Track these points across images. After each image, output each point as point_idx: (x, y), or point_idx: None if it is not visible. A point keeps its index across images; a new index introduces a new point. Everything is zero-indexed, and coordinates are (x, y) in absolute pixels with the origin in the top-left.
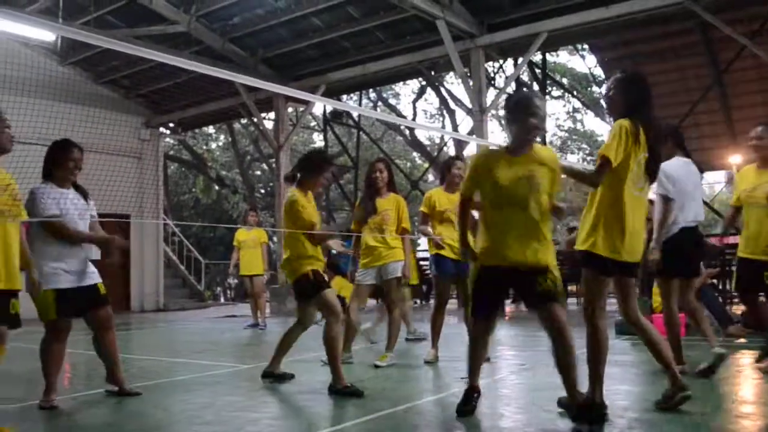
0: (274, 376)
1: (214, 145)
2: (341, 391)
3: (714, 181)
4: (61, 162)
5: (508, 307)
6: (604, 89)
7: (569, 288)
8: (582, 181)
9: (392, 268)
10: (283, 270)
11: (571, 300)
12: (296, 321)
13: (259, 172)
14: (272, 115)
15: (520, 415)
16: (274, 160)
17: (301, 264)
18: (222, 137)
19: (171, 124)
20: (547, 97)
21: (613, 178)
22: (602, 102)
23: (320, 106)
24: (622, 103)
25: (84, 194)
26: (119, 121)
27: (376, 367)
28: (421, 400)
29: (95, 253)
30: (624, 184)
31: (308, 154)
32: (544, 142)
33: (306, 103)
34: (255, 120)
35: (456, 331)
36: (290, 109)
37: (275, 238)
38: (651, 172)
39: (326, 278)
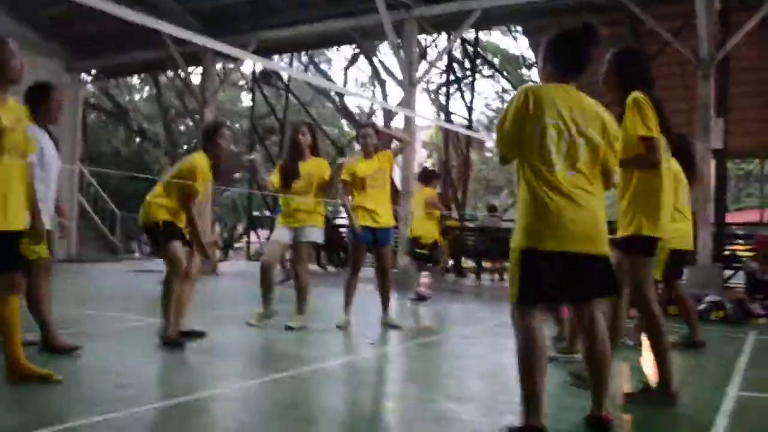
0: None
1: (138, 96)
2: (171, 342)
3: None
4: (45, 103)
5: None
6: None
7: (484, 264)
8: (640, 167)
9: (308, 232)
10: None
11: (486, 276)
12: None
13: (183, 127)
14: (200, 69)
15: (423, 380)
16: (199, 116)
17: (158, 210)
18: (147, 89)
19: (93, 72)
20: (477, 75)
21: None
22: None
23: (249, 64)
24: (624, 76)
25: (56, 142)
26: (37, 64)
27: (288, 328)
28: (329, 362)
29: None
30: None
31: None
32: (470, 120)
33: (235, 60)
34: (181, 74)
35: (370, 299)
36: (219, 66)
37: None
38: (670, 140)
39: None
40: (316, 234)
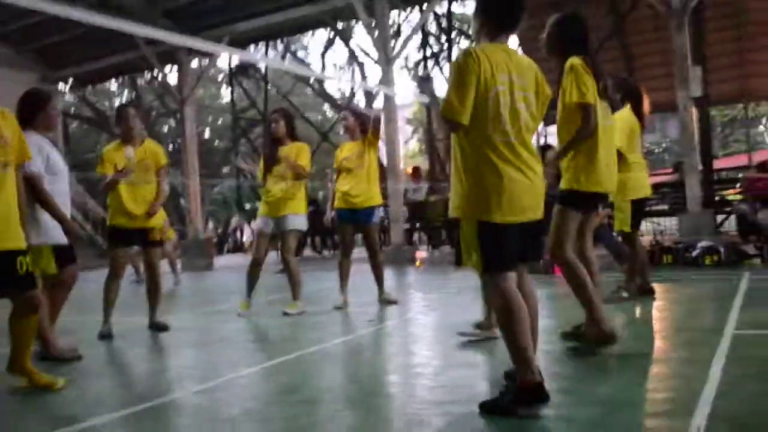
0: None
1: (117, 101)
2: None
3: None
4: (44, 109)
5: (420, 252)
6: (545, 31)
7: None
8: (576, 142)
9: (290, 220)
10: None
11: None
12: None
13: (166, 127)
14: (176, 68)
15: (427, 351)
16: (179, 114)
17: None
18: (126, 92)
19: (70, 80)
20: (454, 47)
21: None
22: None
23: (226, 58)
24: (565, 42)
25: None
26: (10, 78)
27: (285, 314)
28: (329, 342)
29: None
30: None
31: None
32: None
33: (210, 55)
34: (157, 74)
35: (365, 278)
36: (195, 63)
37: (184, 194)
38: (609, 101)
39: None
40: (298, 221)
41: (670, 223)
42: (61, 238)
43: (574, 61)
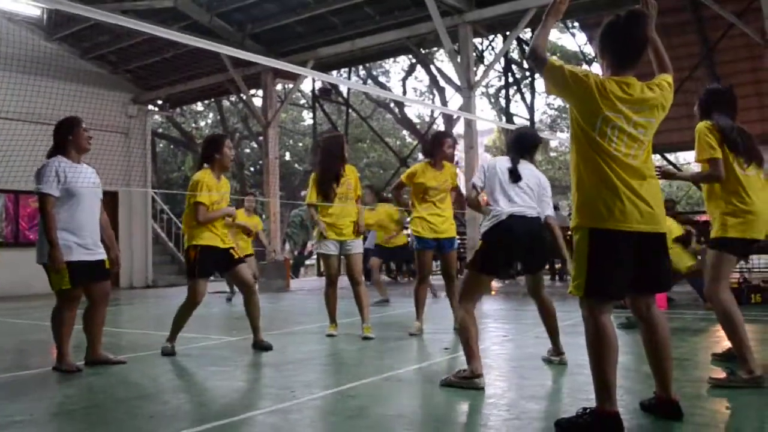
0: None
1: (203, 123)
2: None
3: None
4: (76, 137)
5: (495, 282)
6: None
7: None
8: (704, 181)
9: (353, 245)
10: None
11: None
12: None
13: (248, 150)
14: (261, 92)
15: (501, 382)
16: (262, 137)
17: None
18: (211, 115)
19: (159, 101)
20: (537, 75)
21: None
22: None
23: (309, 83)
24: (704, 109)
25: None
26: (106, 97)
27: (365, 338)
28: (403, 369)
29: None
30: (732, 168)
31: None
32: (533, 122)
33: (294, 79)
34: (243, 96)
35: (440, 305)
36: (279, 86)
37: (264, 215)
38: (744, 154)
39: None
40: (360, 245)
41: (758, 261)
42: (78, 256)
43: (699, 126)
